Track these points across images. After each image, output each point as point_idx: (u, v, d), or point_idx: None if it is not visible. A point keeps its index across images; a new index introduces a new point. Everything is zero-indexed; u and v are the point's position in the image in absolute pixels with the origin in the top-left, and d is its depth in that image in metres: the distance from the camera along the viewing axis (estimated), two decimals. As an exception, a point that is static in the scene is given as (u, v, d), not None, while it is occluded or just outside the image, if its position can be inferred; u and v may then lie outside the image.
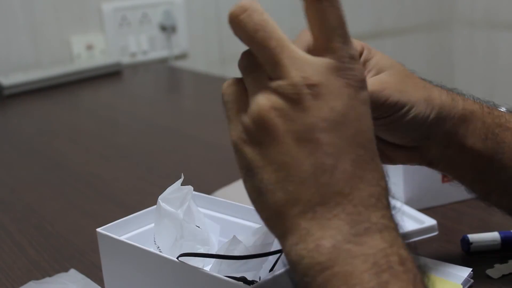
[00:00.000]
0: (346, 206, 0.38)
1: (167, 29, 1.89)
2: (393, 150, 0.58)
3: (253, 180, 0.40)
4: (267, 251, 0.51)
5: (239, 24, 0.41)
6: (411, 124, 0.55)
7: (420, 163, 0.60)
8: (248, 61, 0.42)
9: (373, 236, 0.38)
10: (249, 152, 0.40)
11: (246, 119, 0.40)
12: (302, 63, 0.39)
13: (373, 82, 0.54)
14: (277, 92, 0.39)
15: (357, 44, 0.55)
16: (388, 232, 0.38)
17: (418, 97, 0.55)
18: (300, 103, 0.38)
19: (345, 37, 0.40)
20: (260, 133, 0.39)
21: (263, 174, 0.39)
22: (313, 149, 0.38)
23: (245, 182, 0.41)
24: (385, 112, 0.54)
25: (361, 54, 0.55)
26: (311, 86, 0.38)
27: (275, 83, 0.39)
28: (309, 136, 0.38)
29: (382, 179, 0.40)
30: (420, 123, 0.55)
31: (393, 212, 0.40)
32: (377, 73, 0.55)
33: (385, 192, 0.40)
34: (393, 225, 0.39)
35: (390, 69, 0.55)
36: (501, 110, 0.60)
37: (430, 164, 0.59)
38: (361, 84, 0.40)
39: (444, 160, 0.59)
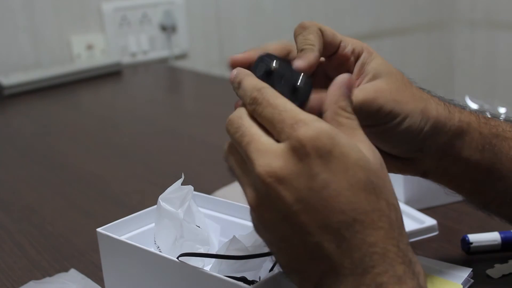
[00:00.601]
0: (343, 278, 0.40)
1: (167, 29, 1.89)
2: (385, 160, 0.58)
3: (278, 262, 0.44)
4: (267, 251, 0.51)
5: (227, 131, 0.45)
6: (404, 135, 0.54)
7: (413, 174, 0.59)
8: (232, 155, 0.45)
9: None
10: (263, 239, 0.44)
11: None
12: (264, 153, 0.41)
13: (367, 89, 0.53)
14: (253, 186, 0.42)
15: (357, 44, 0.55)
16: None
17: (413, 108, 0.53)
18: (270, 194, 0.41)
19: (280, 123, 0.42)
20: (259, 225, 0.43)
21: (278, 258, 0.43)
22: (298, 231, 0.41)
23: None
24: (377, 120, 0.53)
25: (359, 55, 0.54)
26: (273, 173, 0.41)
27: (251, 179, 0.42)
28: (292, 221, 0.40)
29: (372, 233, 0.40)
30: (414, 135, 0.54)
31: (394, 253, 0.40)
32: (374, 78, 0.54)
33: (379, 245, 0.40)
34: (392, 278, 0.40)
35: (388, 76, 0.54)
36: (499, 119, 0.59)
37: (424, 175, 0.59)
38: (318, 144, 0.40)
39: (439, 171, 0.58)
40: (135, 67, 1.86)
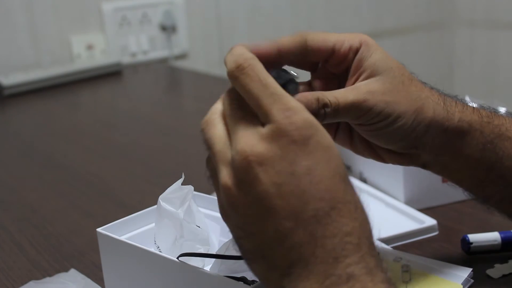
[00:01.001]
0: (313, 266, 0.39)
1: (167, 29, 1.89)
2: (384, 152, 0.57)
3: (240, 250, 0.43)
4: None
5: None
6: (395, 135, 0.54)
7: (413, 165, 0.59)
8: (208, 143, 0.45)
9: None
10: (229, 224, 0.43)
11: (219, 193, 0.43)
12: (249, 134, 0.41)
13: (359, 90, 0.52)
14: (231, 166, 0.41)
15: (354, 40, 0.54)
16: (355, 280, 0.39)
17: (405, 109, 0.53)
18: (249, 174, 0.40)
19: (268, 106, 0.41)
20: (229, 207, 0.42)
21: (244, 244, 0.42)
22: (271, 216, 0.40)
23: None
24: (368, 120, 0.53)
25: (357, 50, 0.54)
26: (255, 154, 0.40)
27: (230, 156, 0.42)
28: (265, 204, 0.40)
29: (348, 223, 0.40)
30: (405, 134, 0.54)
31: (368, 248, 0.40)
32: (369, 76, 0.53)
33: (354, 235, 0.40)
34: (364, 269, 0.39)
35: (385, 74, 0.53)
36: (503, 114, 0.59)
37: (424, 167, 0.59)
38: (304, 132, 0.41)
39: (437, 166, 0.58)
40: (135, 67, 1.86)
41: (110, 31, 1.83)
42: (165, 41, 1.90)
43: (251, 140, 0.41)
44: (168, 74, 1.89)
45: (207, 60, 2.00)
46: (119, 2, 1.84)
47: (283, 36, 0.54)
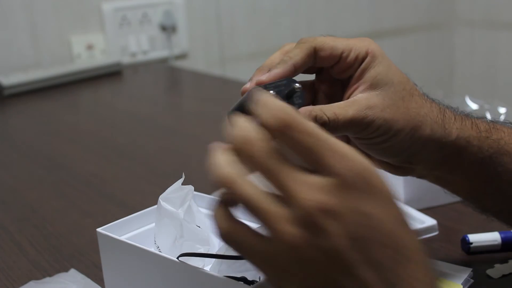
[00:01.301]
0: None
1: (167, 29, 1.89)
2: (379, 163, 0.57)
3: None
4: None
5: (249, 153, 0.39)
6: (390, 150, 0.54)
7: (408, 176, 0.59)
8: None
9: None
10: (287, 284, 0.40)
11: (269, 256, 0.39)
12: (311, 187, 0.38)
13: (358, 105, 0.51)
14: (293, 222, 0.38)
15: (361, 50, 0.53)
16: None
17: (402, 127, 0.52)
18: (320, 228, 0.38)
19: (322, 155, 0.38)
20: (295, 265, 0.39)
21: None
22: (346, 268, 0.38)
23: None
24: (364, 135, 0.53)
25: (363, 60, 0.53)
26: (324, 208, 0.38)
27: (292, 213, 0.38)
28: (340, 257, 0.38)
29: (414, 268, 0.39)
30: (401, 150, 0.54)
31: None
32: (369, 88, 0.52)
33: (421, 280, 0.39)
34: None
35: (386, 88, 0.53)
36: (503, 124, 0.58)
37: (419, 177, 0.59)
38: (364, 182, 0.39)
39: (432, 178, 0.58)
40: (135, 67, 1.86)
41: (110, 31, 1.83)
42: (165, 41, 1.90)
43: (315, 193, 0.38)
44: (168, 74, 1.89)
45: (207, 60, 2.00)
46: (119, 2, 1.84)
47: (290, 46, 0.53)
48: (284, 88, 0.48)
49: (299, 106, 0.48)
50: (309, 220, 0.38)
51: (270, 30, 2.07)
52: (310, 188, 0.38)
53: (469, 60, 2.45)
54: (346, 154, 0.39)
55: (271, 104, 0.39)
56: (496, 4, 2.31)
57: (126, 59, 1.84)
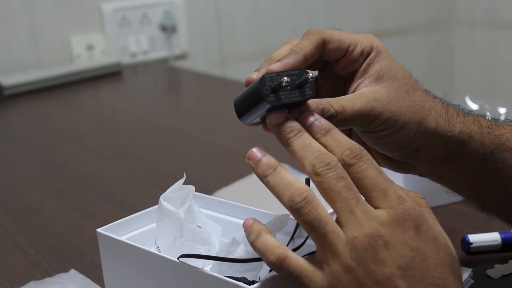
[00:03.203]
0: None
1: (167, 29, 1.89)
2: (381, 157, 0.57)
3: None
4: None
5: (321, 175, 0.44)
6: (396, 144, 0.54)
7: (408, 173, 0.59)
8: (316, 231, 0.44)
9: None
10: None
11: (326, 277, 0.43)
12: (372, 216, 0.43)
13: (365, 98, 0.52)
14: (350, 246, 0.42)
15: (366, 44, 0.53)
16: None
17: (409, 119, 0.53)
18: (377, 255, 0.42)
19: (384, 191, 0.44)
20: (345, 283, 0.43)
21: None
22: None
23: None
24: (371, 128, 0.53)
25: (368, 54, 0.53)
26: (381, 236, 0.42)
27: (349, 234, 0.43)
28: (391, 284, 0.42)
29: None
30: (406, 144, 0.54)
31: None
32: (374, 81, 0.53)
33: None
34: None
35: (390, 82, 0.53)
36: (504, 122, 0.58)
37: (420, 175, 0.59)
38: (418, 221, 0.43)
39: (434, 175, 0.58)
40: (135, 67, 1.86)
41: (110, 31, 1.83)
42: (165, 41, 1.90)
43: (374, 223, 0.43)
44: (168, 74, 1.89)
45: (207, 60, 2.00)
46: (119, 2, 1.84)
47: (297, 40, 0.53)
48: (296, 78, 0.47)
49: (309, 97, 0.48)
50: (369, 247, 0.42)
51: (270, 30, 2.07)
52: (372, 218, 0.43)
53: (469, 60, 2.45)
54: (403, 196, 0.44)
55: (341, 137, 0.46)
56: (496, 4, 2.31)
57: (126, 59, 1.85)
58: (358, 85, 0.53)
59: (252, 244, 0.46)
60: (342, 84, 0.56)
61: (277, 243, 0.45)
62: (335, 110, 0.50)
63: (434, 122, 0.54)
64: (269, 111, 0.47)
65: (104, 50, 1.83)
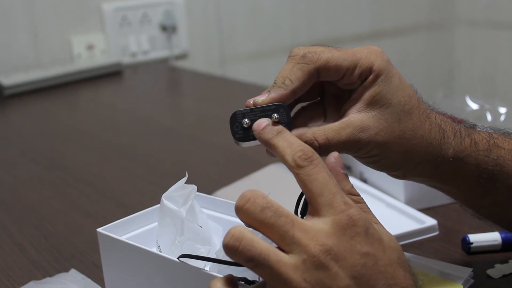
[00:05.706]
0: None
1: (168, 29, 1.89)
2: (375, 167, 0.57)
3: None
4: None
5: (246, 212, 0.42)
6: (382, 167, 0.55)
7: (406, 180, 0.59)
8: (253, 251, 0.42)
9: None
10: None
11: None
12: (314, 232, 0.42)
13: (352, 128, 0.52)
14: (302, 269, 0.41)
15: (365, 67, 0.52)
16: None
17: (394, 151, 0.53)
18: (328, 271, 0.41)
19: (331, 197, 0.43)
20: None
21: None
22: None
23: None
24: (357, 155, 0.54)
25: (366, 77, 0.52)
26: (328, 251, 0.41)
27: (297, 258, 0.41)
28: None
29: None
30: (392, 168, 0.55)
31: None
32: (366, 106, 0.52)
33: None
34: None
35: (382, 109, 0.52)
36: (505, 135, 0.57)
37: (417, 182, 0.59)
38: (363, 226, 0.42)
39: (429, 185, 0.58)
40: (135, 67, 1.86)
41: (110, 31, 1.83)
42: (165, 41, 1.90)
43: (319, 238, 0.41)
44: (168, 74, 1.89)
45: (207, 60, 2.00)
46: (119, 2, 1.84)
47: (297, 51, 0.53)
48: (270, 113, 0.50)
49: (286, 125, 0.49)
50: (318, 265, 0.41)
51: (270, 30, 2.07)
52: (314, 235, 0.41)
53: (469, 60, 2.45)
54: (349, 202, 0.43)
55: (292, 139, 0.45)
56: (496, 4, 2.31)
57: (126, 59, 1.84)
58: (350, 107, 0.53)
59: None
60: (348, 91, 0.55)
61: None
62: (319, 144, 0.51)
63: (423, 151, 0.54)
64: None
65: (104, 50, 1.83)
